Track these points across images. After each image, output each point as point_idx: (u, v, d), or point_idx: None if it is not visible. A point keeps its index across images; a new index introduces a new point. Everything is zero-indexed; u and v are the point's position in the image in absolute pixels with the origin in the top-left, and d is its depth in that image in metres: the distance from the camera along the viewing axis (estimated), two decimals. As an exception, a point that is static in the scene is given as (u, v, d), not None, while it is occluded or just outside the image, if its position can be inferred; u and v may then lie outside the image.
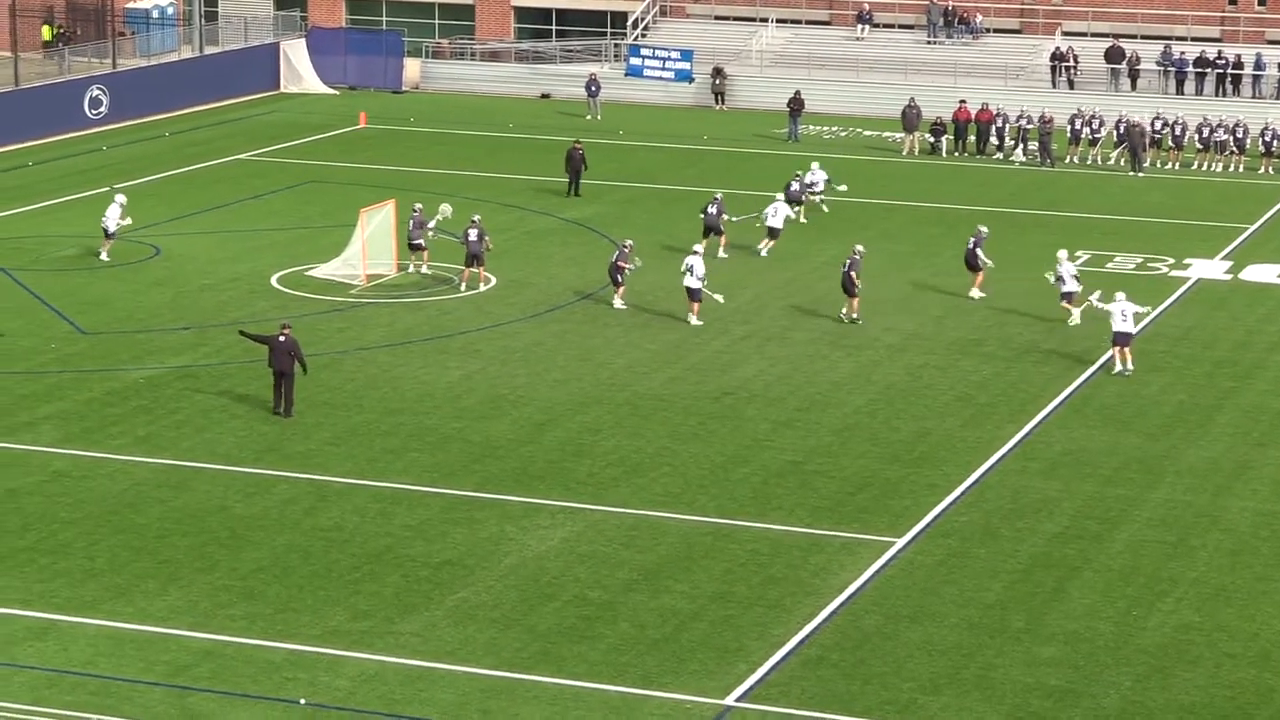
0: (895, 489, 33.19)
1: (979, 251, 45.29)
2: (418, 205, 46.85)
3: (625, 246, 44.18)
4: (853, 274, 42.87)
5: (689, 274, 42.70)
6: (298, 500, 32.22)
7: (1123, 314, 39.43)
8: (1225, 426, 36.81)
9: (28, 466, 33.55)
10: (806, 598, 28.60)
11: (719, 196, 49.51)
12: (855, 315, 43.03)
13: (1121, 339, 39.54)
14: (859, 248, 43.80)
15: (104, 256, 47.62)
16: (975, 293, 45.28)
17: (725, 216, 48.65)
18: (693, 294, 42.66)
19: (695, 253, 43.18)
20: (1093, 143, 62.59)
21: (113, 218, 47.59)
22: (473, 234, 45.12)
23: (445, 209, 46.52)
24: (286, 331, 36.51)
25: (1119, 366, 39.59)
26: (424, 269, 46.15)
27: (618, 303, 43.82)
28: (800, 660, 26.59)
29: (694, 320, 42.45)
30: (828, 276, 46.30)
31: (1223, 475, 34.16)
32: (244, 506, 31.90)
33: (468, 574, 29.28)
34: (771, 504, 32.41)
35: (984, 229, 46.12)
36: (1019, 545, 30.81)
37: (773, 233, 48.93)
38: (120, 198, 48.27)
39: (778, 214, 49.05)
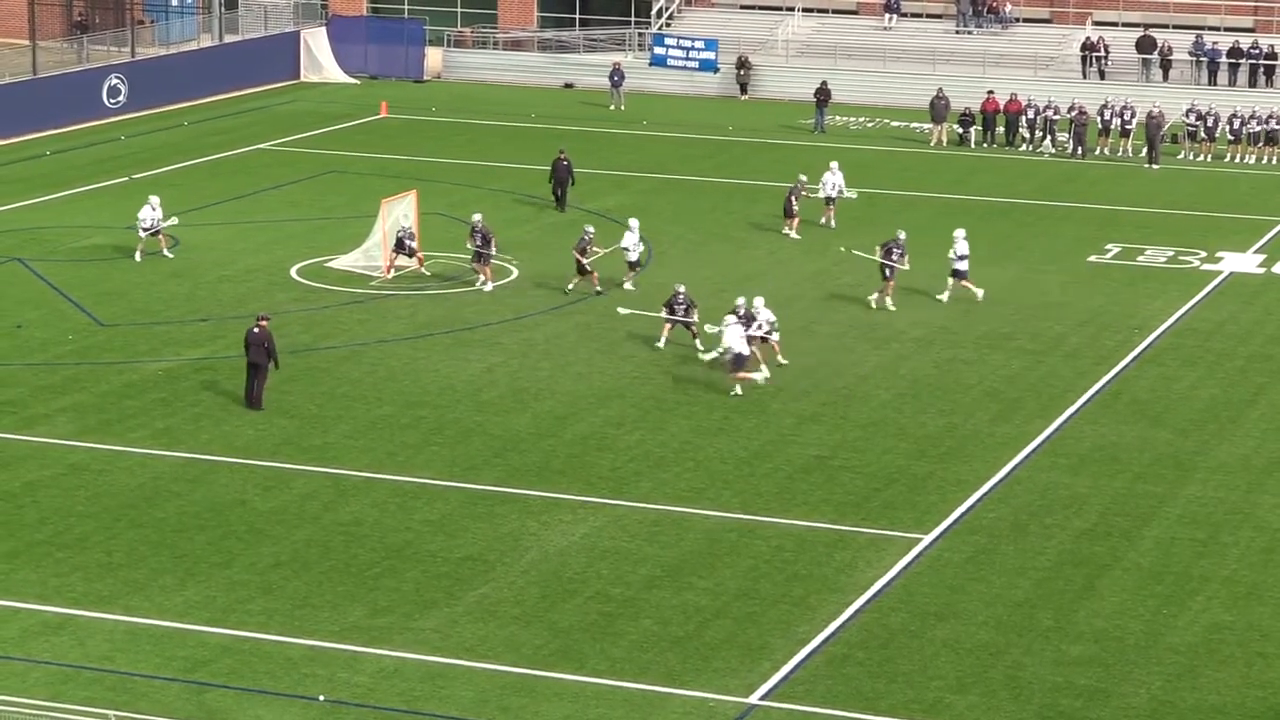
0: (922, 485, 32.80)
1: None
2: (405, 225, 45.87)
3: (587, 233, 43.54)
4: (792, 198, 48.81)
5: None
6: (317, 494, 31.94)
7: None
8: (1258, 422, 36.35)
9: (45, 459, 33.31)
10: (832, 595, 28.27)
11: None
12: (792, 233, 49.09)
13: None
14: (802, 177, 50.29)
15: (139, 258, 46.72)
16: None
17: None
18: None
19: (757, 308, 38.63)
20: (1124, 134, 62.02)
21: (148, 218, 46.86)
22: (478, 239, 44.47)
23: None
24: (263, 324, 36.03)
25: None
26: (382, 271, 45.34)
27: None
28: (825, 658, 26.28)
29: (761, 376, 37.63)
30: (854, 269, 45.87)
31: (1255, 472, 33.72)
32: (262, 501, 31.63)
33: (488, 570, 28.99)
34: (796, 499, 32.05)
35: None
36: (1047, 542, 30.43)
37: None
38: (153, 198, 47.43)
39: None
